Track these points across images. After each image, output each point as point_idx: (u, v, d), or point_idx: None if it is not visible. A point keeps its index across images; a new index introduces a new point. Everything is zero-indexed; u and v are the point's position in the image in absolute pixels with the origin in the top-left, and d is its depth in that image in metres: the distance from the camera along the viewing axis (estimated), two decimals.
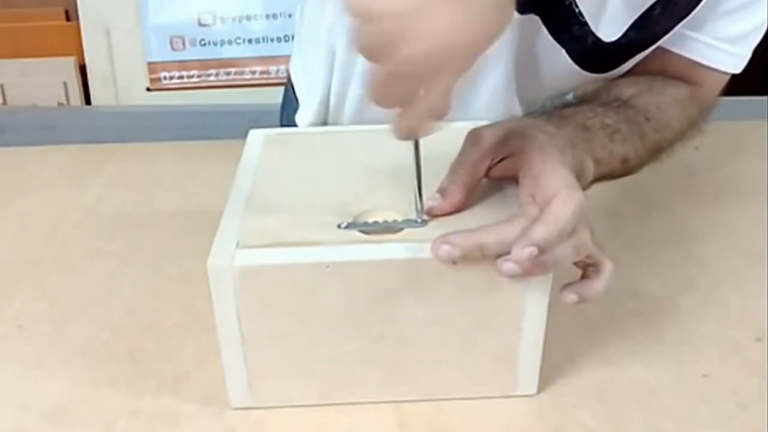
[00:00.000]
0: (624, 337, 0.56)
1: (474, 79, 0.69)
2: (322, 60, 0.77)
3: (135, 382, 0.52)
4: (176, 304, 0.60)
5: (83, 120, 1.96)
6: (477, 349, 0.48)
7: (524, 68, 0.68)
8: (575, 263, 0.48)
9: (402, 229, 0.47)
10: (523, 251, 0.42)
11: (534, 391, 0.50)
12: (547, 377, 0.51)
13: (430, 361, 0.48)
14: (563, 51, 0.65)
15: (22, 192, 0.79)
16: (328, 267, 0.44)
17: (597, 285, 0.48)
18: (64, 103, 2.06)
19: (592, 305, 0.59)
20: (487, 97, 0.70)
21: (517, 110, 0.72)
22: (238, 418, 0.49)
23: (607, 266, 0.48)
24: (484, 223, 0.47)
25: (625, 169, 0.61)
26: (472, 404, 0.49)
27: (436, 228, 0.47)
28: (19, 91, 2.07)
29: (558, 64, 0.67)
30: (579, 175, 0.50)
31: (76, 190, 0.79)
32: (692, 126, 0.68)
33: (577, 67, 0.66)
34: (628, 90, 0.64)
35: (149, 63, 2.01)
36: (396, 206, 0.50)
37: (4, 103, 2.08)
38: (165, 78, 2.02)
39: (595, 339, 0.55)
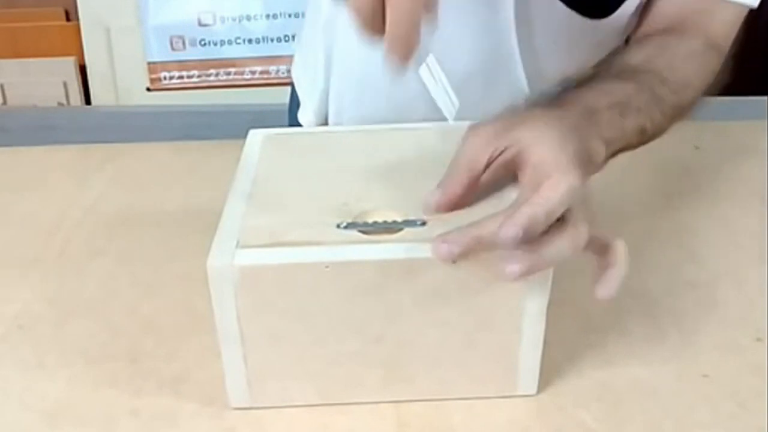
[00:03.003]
0: (624, 337, 0.56)
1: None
2: (319, 58, 0.77)
3: (135, 382, 0.52)
4: (176, 304, 0.60)
5: (83, 120, 1.96)
6: (477, 349, 0.48)
7: (521, 26, 0.67)
8: (594, 254, 0.47)
9: (402, 229, 0.47)
10: (507, 231, 0.41)
11: (534, 391, 0.50)
12: (547, 377, 0.51)
13: (430, 361, 0.48)
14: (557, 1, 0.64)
15: (22, 192, 0.79)
16: (327, 267, 0.44)
17: (618, 270, 0.47)
18: (64, 103, 2.07)
19: (591, 305, 0.59)
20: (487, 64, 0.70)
21: (522, 83, 0.71)
22: (238, 418, 0.49)
23: (620, 247, 0.47)
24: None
25: (645, 139, 0.59)
26: (472, 404, 0.49)
27: (436, 228, 0.47)
28: (19, 91, 2.07)
29: (554, 15, 0.65)
30: (586, 159, 0.49)
31: (76, 190, 0.79)
32: (714, 76, 0.65)
33: (576, 16, 0.65)
34: (635, 57, 0.62)
35: (149, 63, 2.01)
36: (396, 206, 0.50)
37: (4, 103, 2.08)
38: (165, 78, 2.02)
39: (595, 339, 0.55)
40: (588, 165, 0.48)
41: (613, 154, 0.55)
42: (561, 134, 0.47)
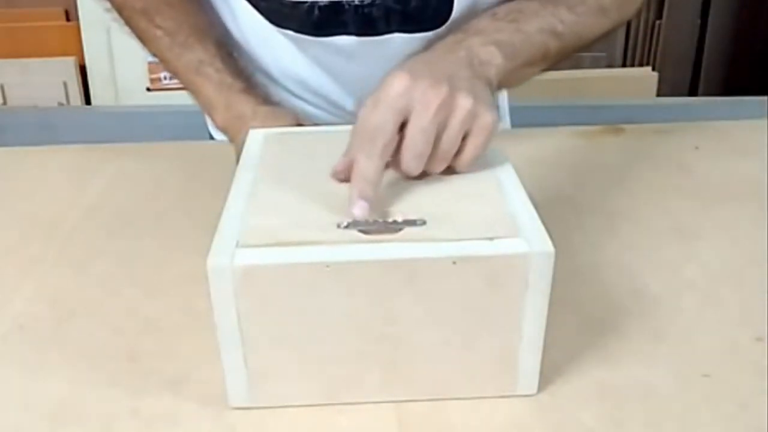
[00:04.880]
0: (624, 337, 0.56)
1: None
2: None
3: (135, 382, 0.52)
4: (176, 304, 0.60)
5: (83, 120, 1.96)
6: (477, 349, 0.48)
7: None
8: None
9: (402, 229, 0.47)
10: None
11: (534, 391, 0.50)
12: (547, 377, 0.51)
13: (430, 360, 0.48)
14: None
15: (22, 192, 0.79)
16: (328, 267, 0.44)
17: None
18: (64, 103, 2.07)
19: (592, 305, 0.59)
20: None
21: None
22: (238, 418, 0.49)
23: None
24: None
25: (568, 40, 0.64)
26: (472, 404, 0.49)
27: (436, 228, 0.47)
28: (19, 91, 2.07)
29: None
30: (468, 67, 0.55)
31: (76, 190, 0.79)
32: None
33: None
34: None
35: (149, 63, 2.01)
36: (396, 206, 0.50)
37: (4, 103, 2.08)
38: (165, 78, 2.02)
39: (595, 339, 0.55)
40: (480, 67, 0.56)
41: (544, 56, 0.63)
42: (423, 59, 0.55)
